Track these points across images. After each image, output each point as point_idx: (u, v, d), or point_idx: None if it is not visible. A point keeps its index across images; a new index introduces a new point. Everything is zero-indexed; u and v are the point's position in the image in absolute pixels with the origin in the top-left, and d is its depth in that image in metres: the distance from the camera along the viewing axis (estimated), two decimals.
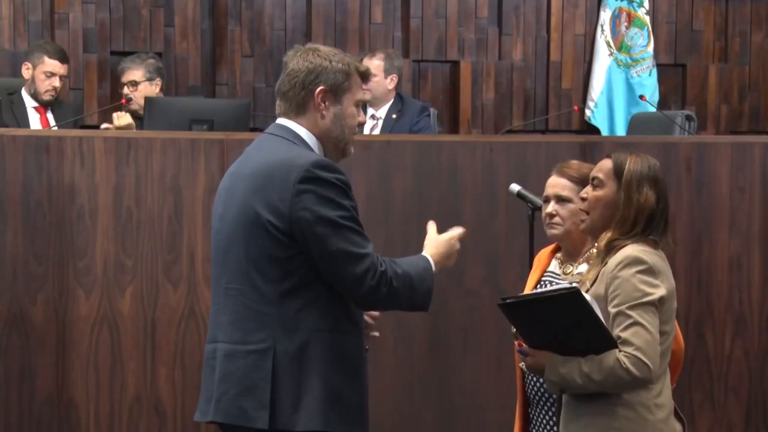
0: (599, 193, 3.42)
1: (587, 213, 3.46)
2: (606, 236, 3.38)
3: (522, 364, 3.73)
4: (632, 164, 3.39)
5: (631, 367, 3.20)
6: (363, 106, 3.60)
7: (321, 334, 3.30)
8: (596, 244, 3.47)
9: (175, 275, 4.98)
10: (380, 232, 5.13)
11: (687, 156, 5.42)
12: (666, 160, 5.39)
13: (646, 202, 3.37)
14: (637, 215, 3.36)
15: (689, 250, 5.37)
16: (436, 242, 3.55)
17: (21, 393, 4.92)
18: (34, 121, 6.48)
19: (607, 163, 3.44)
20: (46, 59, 6.45)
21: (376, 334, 3.62)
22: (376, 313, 3.58)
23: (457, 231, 3.56)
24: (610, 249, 3.35)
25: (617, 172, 3.40)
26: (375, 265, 3.31)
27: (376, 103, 6.56)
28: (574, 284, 3.41)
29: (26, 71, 6.51)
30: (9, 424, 4.91)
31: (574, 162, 3.92)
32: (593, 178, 3.45)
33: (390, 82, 6.61)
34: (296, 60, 3.46)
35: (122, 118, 6.14)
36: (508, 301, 3.33)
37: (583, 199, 3.47)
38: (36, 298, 4.91)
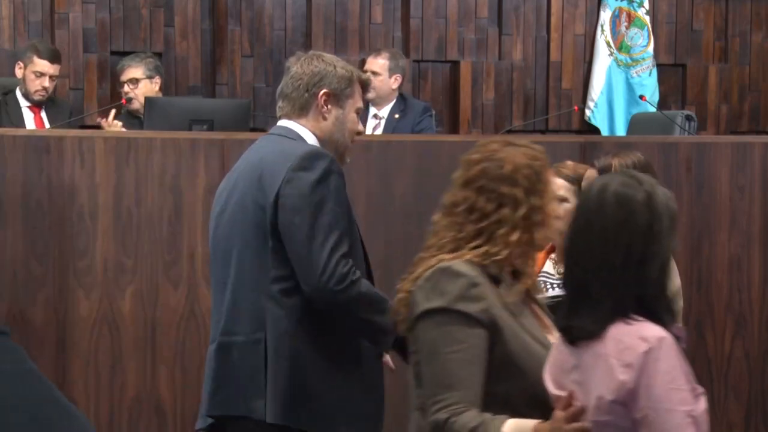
0: None
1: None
2: None
3: None
4: (618, 166, 3.38)
5: None
6: (365, 105, 3.62)
7: (311, 328, 3.29)
8: None
9: (175, 275, 4.98)
10: (380, 232, 5.13)
11: (687, 156, 5.42)
12: (666, 160, 5.39)
13: None
14: None
15: (689, 250, 5.37)
16: None
17: None
18: (29, 121, 6.47)
19: (595, 174, 3.43)
20: (36, 59, 6.43)
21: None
22: None
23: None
24: None
25: None
26: (349, 265, 3.27)
27: (379, 102, 6.56)
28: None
29: (18, 71, 6.51)
30: None
31: (570, 162, 3.93)
32: None
33: (394, 82, 6.62)
34: (300, 64, 3.48)
35: (112, 128, 6.11)
36: None
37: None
38: (36, 298, 4.91)
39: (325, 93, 3.43)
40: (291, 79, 3.48)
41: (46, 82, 6.45)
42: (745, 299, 5.44)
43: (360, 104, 3.53)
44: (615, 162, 3.39)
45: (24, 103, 6.51)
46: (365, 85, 3.57)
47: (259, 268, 3.30)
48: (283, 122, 3.49)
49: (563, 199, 3.79)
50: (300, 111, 3.45)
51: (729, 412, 5.44)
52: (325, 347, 3.32)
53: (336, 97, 3.45)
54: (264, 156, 3.38)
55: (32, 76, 6.44)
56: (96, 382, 4.94)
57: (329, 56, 3.52)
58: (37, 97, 6.46)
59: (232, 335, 3.35)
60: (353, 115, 3.49)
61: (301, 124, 3.45)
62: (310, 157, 3.30)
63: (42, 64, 6.44)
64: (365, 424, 3.43)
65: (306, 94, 3.44)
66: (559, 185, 3.83)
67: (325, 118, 3.44)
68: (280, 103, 3.50)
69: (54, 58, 6.49)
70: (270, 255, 3.29)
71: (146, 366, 4.96)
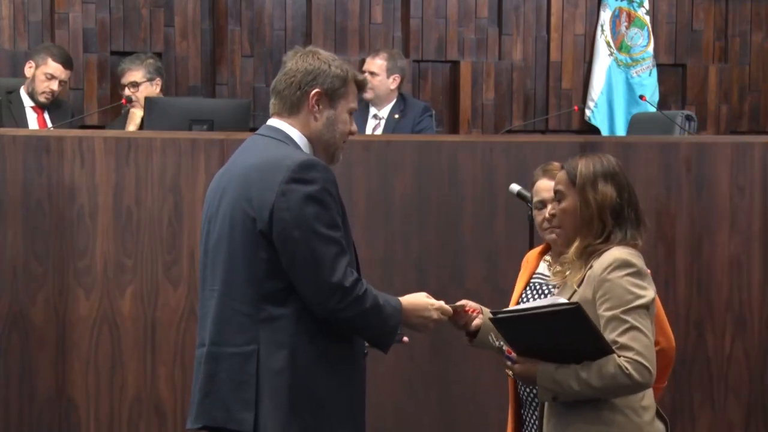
0: (564, 205, 3.39)
1: (559, 227, 3.45)
2: (577, 242, 3.36)
3: (509, 372, 3.67)
4: (583, 167, 3.36)
5: (633, 373, 3.16)
6: (365, 106, 3.59)
7: (305, 338, 3.27)
8: (569, 251, 3.42)
9: (175, 275, 4.98)
10: (380, 232, 5.14)
11: (687, 156, 5.42)
12: (666, 160, 5.40)
13: (605, 198, 3.32)
14: (600, 213, 3.31)
15: (689, 250, 5.37)
16: (416, 298, 3.50)
17: (21, 393, 4.92)
18: (32, 121, 6.47)
19: (562, 175, 3.42)
20: (50, 61, 6.43)
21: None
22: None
23: (440, 303, 3.53)
24: (591, 253, 3.32)
25: (572, 179, 3.37)
26: (352, 279, 3.27)
27: (378, 102, 6.55)
28: (561, 297, 3.38)
29: (29, 69, 6.51)
30: (9, 424, 4.91)
31: (556, 163, 3.91)
32: (556, 192, 3.43)
33: (392, 82, 6.62)
34: (295, 60, 3.45)
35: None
36: (499, 316, 3.29)
37: (553, 215, 3.46)
38: (36, 298, 4.91)
39: (317, 92, 3.39)
40: (284, 75, 3.43)
41: (55, 86, 6.45)
42: (745, 299, 5.44)
43: (353, 105, 3.49)
44: (581, 164, 3.37)
45: (28, 103, 6.50)
46: (361, 86, 3.52)
47: (250, 279, 3.28)
48: (272, 121, 3.45)
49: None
50: (291, 110, 3.42)
51: (729, 412, 5.44)
52: (322, 353, 3.30)
53: (328, 97, 3.41)
54: (253, 163, 3.34)
55: (42, 77, 6.43)
56: (96, 382, 4.94)
57: (325, 54, 3.47)
58: (42, 99, 6.46)
59: (222, 345, 3.32)
60: (345, 116, 3.45)
61: (290, 124, 3.41)
62: (303, 169, 3.27)
63: (55, 67, 6.44)
64: (363, 423, 3.43)
65: (298, 92, 3.40)
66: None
67: (316, 119, 3.41)
68: (272, 100, 3.46)
69: (67, 63, 6.50)
70: (263, 266, 3.26)
71: (146, 366, 4.96)
